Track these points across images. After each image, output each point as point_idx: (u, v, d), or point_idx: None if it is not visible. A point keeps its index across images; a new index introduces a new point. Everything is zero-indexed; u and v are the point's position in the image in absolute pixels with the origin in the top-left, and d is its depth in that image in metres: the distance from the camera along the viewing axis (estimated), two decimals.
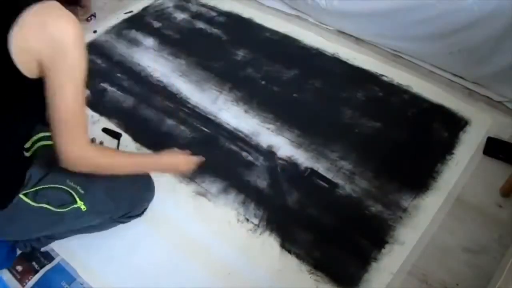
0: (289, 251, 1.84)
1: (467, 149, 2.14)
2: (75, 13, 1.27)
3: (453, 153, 2.12)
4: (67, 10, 1.25)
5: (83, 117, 1.36)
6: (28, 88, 1.27)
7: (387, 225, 1.90)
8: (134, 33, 2.84)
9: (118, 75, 2.57)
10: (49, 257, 1.87)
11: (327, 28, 2.77)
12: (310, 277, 1.77)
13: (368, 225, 1.91)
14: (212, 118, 2.32)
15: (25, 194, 1.48)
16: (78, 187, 1.55)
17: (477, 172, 2.05)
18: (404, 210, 1.94)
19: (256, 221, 1.94)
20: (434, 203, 1.96)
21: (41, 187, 1.50)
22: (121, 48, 2.73)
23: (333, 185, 2.03)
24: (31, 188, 1.49)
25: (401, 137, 2.20)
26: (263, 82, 2.49)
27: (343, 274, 1.78)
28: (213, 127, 2.27)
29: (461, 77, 2.42)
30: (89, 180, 1.53)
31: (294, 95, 2.42)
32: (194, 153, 1.83)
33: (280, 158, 2.13)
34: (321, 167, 2.09)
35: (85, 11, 1.59)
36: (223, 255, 1.84)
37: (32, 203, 1.48)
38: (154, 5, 3.04)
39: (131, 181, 1.67)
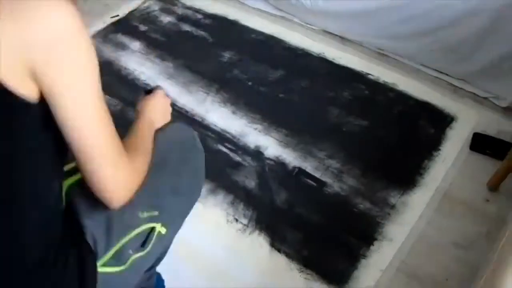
0: (279, 250, 1.84)
1: (454, 145, 2.15)
2: None
3: (439, 150, 2.13)
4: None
5: (112, 127, 0.98)
6: (35, 119, 0.89)
7: (375, 222, 1.90)
8: (120, 37, 2.83)
9: (105, 77, 2.56)
10: None
11: (312, 28, 2.77)
12: (300, 276, 1.77)
13: (357, 222, 1.92)
14: (200, 119, 2.32)
15: (104, 265, 1.12)
16: (152, 212, 1.21)
17: (464, 168, 2.07)
18: (392, 207, 1.95)
19: (245, 221, 1.94)
20: (422, 199, 1.97)
21: (118, 246, 1.14)
22: (108, 52, 2.72)
23: (321, 183, 2.03)
24: (106, 252, 1.12)
25: (388, 135, 2.21)
26: (249, 83, 2.49)
27: (332, 272, 1.78)
28: (201, 128, 2.27)
29: (446, 74, 2.43)
30: (153, 192, 1.19)
31: (281, 95, 2.42)
32: None
33: (268, 158, 2.14)
34: (309, 166, 2.09)
35: None
36: (212, 256, 1.83)
37: (120, 269, 1.15)
38: (140, 9, 3.04)
39: (183, 158, 1.38)
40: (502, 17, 2.06)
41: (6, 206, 0.91)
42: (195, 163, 1.46)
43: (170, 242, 1.44)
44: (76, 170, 1.12)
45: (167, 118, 1.42)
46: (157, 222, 1.21)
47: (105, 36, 2.85)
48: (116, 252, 1.13)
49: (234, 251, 1.83)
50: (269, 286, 1.76)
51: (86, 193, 1.02)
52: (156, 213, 1.21)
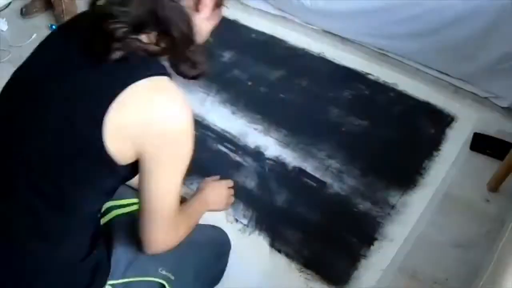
0: (279, 250, 1.84)
1: (454, 145, 2.15)
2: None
3: (440, 150, 2.13)
4: (178, 89, 1.06)
5: (177, 207, 1.15)
6: (115, 172, 1.04)
7: (375, 222, 1.90)
8: None
9: None
10: None
11: (312, 28, 2.77)
12: (300, 276, 1.77)
13: (357, 222, 1.92)
14: (200, 120, 2.32)
15: (112, 286, 1.22)
16: (169, 274, 1.32)
17: (464, 168, 2.06)
18: (393, 207, 1.95)
19: (245, 221, 1.94)
20: (422, 199, 1.97)
21: (131, 280, 1.25)
22: None
23: (321, 183, 2.04)
24: (119, 278, 1.24)
25: (388, 135, 2.21)
26: (250, 83, 2.49)
27: (333, 272, 1.78)
28: (201, 128, 2.27)
29: (446, 74, 2.43)
30: (180, 263, 1.35)
31: (281, 95, 2.42)
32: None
33: (268, 158, 2.14)
34: (309, 166, 2.09)
35: None
36: None
37: None
38: None
39: (215, 255, 1.58)
40: (502, 17, 2.06)
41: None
42: (221, 268, 1.67)
43: None
44: (127, 205, 1.36)
45: (222, 205, 1.60)
46: (169, 284, 1.31)
47: None
48: (126, 284, 1.24)
49: (234, 251, 1.83)
50: (269, 286, 1.76)
51: (130, 228, 1.23)
52: (172, 277, 1.32)
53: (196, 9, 1.06)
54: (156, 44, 1.03)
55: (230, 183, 1.65)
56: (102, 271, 1.21)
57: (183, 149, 1.06)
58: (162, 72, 1.04)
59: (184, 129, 1.04)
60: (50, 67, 1.04)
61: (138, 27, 0.98)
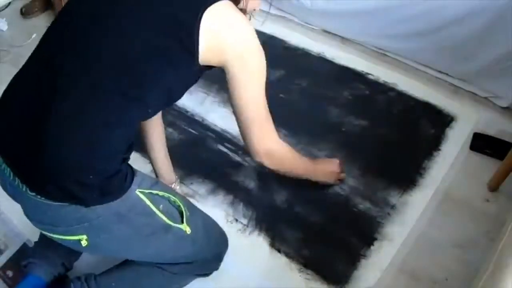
0: (279, 250, 1.85)
1: (454, 145, 2.15)
2: None
3: (439, 149, 2.13)
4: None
5: (269, 112, 1.45)
6: (192, 72, 1.30)
7: (375, 222, 1.90)
8: None
9: None
10: None
11: (312, 28, 2.77)
12: (300, 276, 1.78)
13: (357, 222, 1.92)
14: (200, 119, 2.32)
15: (142, 192, 1.31)
16: (185, 208, 1.44)
17: (464, 168, 2.06)
18: (392, 206, 1.95)
19: (245, 221, 1.94)
20: (422, 199, 1.97)
21: (158, 192, 1.37)
22: None
23: (321, 183, 2.03)
24: (147, 189, 1.33)
25: (388, 135, 2.21)
26: None
27: (332, 272, 1.78)
28: (201, 128, 2.27)
29: (446, 74, 2.43)
30: (191, 205, 1.55)
31: (281, 95, 2.42)
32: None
33: None
34: None
35: None
36: None
37: (149, 204, 1.32)
38: None
39: (216, 230, 1.72)
40: (502, 17, 2.06)
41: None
42: (221, 242, 1.75)
43: (179, 255, 1.56)
44: None
45: (329, 179, 1.98)
46: (187, 220, 1.43)
47: None
48: (151, 193, 1.34)
49: (234, 251, 1.83)
50: (269, 286, 1.76)
51: None
52: (188, 213, 1.45)
53: None
54: None
55: (341, 162, 1.99)
56: (130, 172, 1.31)
57: (261, 59, 1.36)
58: None
59: (257, 43, 1.32)
60: None
61: None
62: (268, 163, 1.52)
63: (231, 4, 1.26)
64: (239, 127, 1.45)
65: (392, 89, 2.41)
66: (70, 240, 1.28)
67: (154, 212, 1.34)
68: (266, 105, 1.42)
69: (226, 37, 1.24)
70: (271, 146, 1.50)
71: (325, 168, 1.94)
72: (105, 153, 1.21)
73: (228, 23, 1.24)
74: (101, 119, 1.18)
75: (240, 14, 1.26)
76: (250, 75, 1.34)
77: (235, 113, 1.42)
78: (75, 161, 1.17)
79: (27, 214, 1.31)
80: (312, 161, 1.90)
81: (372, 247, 1.84)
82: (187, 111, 2.36)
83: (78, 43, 1.21)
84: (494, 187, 1.96)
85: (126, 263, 1.57)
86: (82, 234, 1.26)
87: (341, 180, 2.01)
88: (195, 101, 2.40)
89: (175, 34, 1.18)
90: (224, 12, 1.23)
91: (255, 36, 1.30)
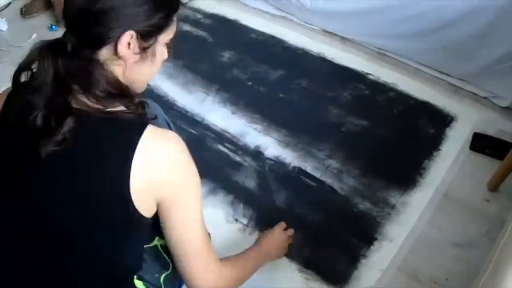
0: None
1: (454, 145, 2.15)
2: None
3: (440, 149, 2.13)
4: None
5: (209, 242, 1.24)
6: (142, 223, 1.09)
7: (375, 222, 1.90)
8: None
9: None
10: None
11: (312, 28, 2.77)
12: (300, 276, 1.77)
13: (357, 222, 1.92)
14: (200, 119, 2.32)
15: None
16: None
17: (464, 168, 2.06)
18: (392, 206, 1.95)
19: (245, 221, 1.94)
20: (422, 199, 1.97)
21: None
22: None
23: (321, 183, 2.03)
24: None
25: (388, 135, 2.21)
26: (249, 83, 2.49)
27: (332, 272, 1.78)
28: (201, 128, 2.27)
29: (446, 74, 2.43)
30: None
31: (281, 95, 2.42)
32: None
33: (268, 158, 2.14)
34: (308, 166, 2.10)
35: None
36: None
37: None
38: None
39: None
40: (502, 17, 2.06)
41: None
42: None
43: None
44: None
45: (282, 253, 1.79)
46: None
47: None
48: None
49: (233, 251, 1.82)
50: (269, 286, 1.76)
51: None
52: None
53: (118, 59, 1.05)
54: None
55: (283, 225, 1.83)
56: None
57: (194, 186, 1.14)
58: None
59: (187, 169, 1.12)
60: None
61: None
62: None
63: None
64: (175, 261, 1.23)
65: (392, 89, 2.41)
66: None
67: None
68: (205, 234, 1.22)
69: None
70: (214, 282, 1.25)
71: (276, 246, 1.75)
72: None
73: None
74: None
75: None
76: (188, 210, 1.16)
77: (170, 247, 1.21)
78: None
79: None
80: (258, 248, 1.66)
81: (372, 247, 1.84)
82: (187, 111, 2.36)
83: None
84: (494, 187, 1.96)
85: None
86: None
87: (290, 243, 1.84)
88: (195, 101, 2.41)
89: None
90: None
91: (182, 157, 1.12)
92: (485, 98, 2.32)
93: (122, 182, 0.98)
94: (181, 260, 1.19)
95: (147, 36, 1.06)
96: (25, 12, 3.05)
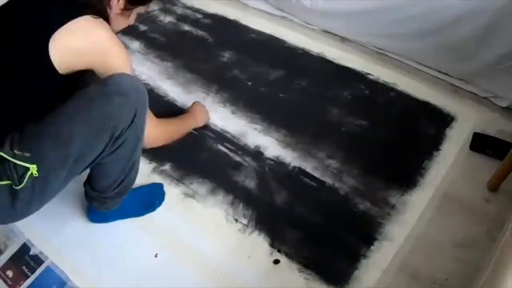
0: (279, 250, 1.84)
1: (454, 145, 2.15)
2: None
3: (440, 149, 2.13)
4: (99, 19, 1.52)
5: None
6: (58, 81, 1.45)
7: (375, 222, 1.90)
8: (120, 37, 2.81)
9: None
10: (38, 260, 1.84)
11: (312, 28, 2.77)
12: (300, 276, 1.77)
13: (357, 222, 1.92)
14: None
15: None
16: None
17: (464, 168, 2.06)
18: (392, 206, 1.95)
19: (245, 221, 1.94)
20: (422, 199, 1.97)
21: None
22: None
23: (321, 183, 2.03)
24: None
25: (388, 135, 2.21)
26: (249, 83, 2.49)
27: (333, 272, 1.78)
28: (201, 128, 2.27)
29: (446, 74, 2.43)
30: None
31: (281, 95, 2.42)
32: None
33: (268, 158, 2.14)
34: (308, 166, 2.09)
35: None
36: (212, 256, 1.83)
37: None
38: None
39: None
40: (502, 17, 2.06)
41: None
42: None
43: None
44: None
45: (207, 118, 2.29)
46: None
47: None
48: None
49: (234, 252, 1.83)
50: (269, 286, 1.76)
51: None
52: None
53: (108, 4, 1.60)
54: None
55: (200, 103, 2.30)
56: None
57: (116, 50, 1.57)
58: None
59: (109, 40, 1.53)
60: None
61: None
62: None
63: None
64: None
65: (392, 89, 2.41)
66: None
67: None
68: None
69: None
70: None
71: (201, 110, 2.26)
72: None
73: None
74: None
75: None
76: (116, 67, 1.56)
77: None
78: None
79: None
80: (188, 114, 2.21)
81: (372, 247, 1.83)
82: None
83: None
84: (494, 187, 1.96)
85: None
86: None
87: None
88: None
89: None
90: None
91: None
92: (485, 98, 2.33)
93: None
94: None
95: (132, 2, 1.64)
96: None
